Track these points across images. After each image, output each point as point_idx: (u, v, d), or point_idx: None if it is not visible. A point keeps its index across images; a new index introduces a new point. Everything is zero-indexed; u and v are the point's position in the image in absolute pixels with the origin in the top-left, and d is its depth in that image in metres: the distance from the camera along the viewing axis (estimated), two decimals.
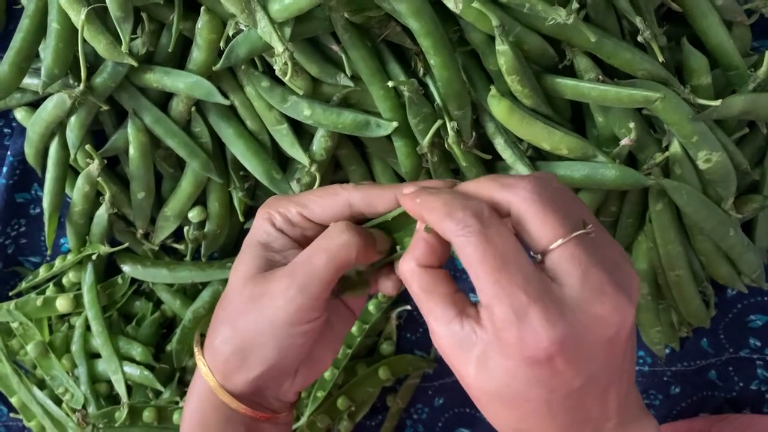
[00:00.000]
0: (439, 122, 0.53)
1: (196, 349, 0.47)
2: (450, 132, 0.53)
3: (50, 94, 0.56)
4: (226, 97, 0.56)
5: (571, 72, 0.52)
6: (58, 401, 0.62)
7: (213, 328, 0.46)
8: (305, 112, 0.55)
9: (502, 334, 0.36)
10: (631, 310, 0.37)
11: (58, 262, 0.63)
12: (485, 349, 0.37)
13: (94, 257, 0.61)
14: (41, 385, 0.63)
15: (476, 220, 0.37)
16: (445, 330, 0.38)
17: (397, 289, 0.47)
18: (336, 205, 0.45)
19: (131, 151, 0.57)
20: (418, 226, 0.41)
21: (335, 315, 0.48)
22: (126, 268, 0.63)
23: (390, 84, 0.52)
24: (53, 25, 0.53)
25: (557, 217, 0.37)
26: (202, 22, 0.53)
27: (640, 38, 0.50)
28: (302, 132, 0.58)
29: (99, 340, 0.61)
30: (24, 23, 0.55)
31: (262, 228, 0.46)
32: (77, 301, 0.63)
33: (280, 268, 0.44)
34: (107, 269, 0.64)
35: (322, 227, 0.45)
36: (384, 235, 0.46)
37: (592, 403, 0.38)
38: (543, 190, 0.38)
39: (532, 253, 0.38)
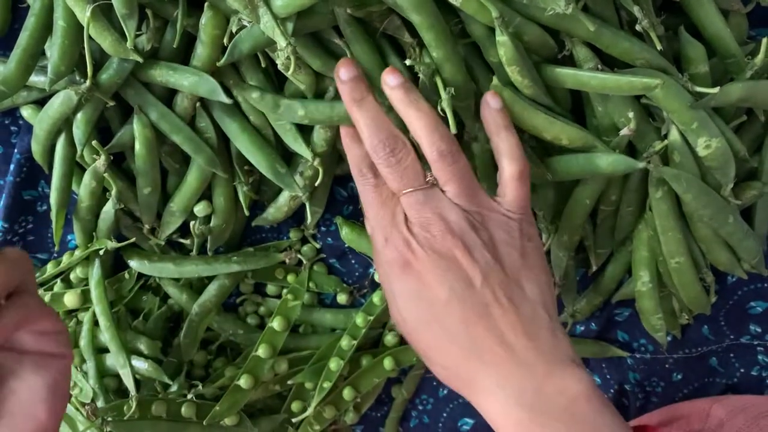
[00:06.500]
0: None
1: None
2: (452, 123, 0.53)
3: (56, 92, 0.57)
4: (230, 91, 0.57)
5: (570, 62, 0.53)
6: None
7: None
8: (299, 112, 0.55)
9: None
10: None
11: (65, 258, 0.64)
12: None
13: (101, 253, 0.62)
14: None
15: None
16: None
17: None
18: None
19: (137, 147, 0.58)
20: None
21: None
22: (133, 263, 0.64)
23: None
24: (59, 22, 0.54)
25: None
26: (206, 18, 0.54)
27: (638, 27, 0.51)
28: (305, 125, 0.58)
29: (107, 335, 0.62)
30: (30, 21, 0.55)
31: None
32: (85, 296, 0.63)
33: None
34: (114, 265, 0.65)
35: None
36: None
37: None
38: None
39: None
